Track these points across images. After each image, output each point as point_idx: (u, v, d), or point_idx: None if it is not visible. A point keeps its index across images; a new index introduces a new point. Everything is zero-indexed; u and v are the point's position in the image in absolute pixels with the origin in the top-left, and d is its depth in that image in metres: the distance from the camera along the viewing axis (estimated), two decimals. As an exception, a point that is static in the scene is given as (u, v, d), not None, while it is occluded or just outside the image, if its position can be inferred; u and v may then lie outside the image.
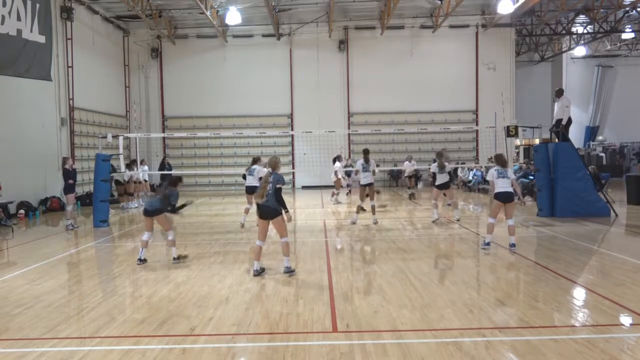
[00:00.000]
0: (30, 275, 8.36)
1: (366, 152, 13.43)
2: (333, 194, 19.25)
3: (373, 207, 13.48)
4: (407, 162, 20.75)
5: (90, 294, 7.24)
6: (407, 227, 13.08)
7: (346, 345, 4.99)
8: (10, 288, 7.56)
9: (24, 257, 9.96)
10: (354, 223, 13.22)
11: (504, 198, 9.59)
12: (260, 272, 7.97)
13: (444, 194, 14.14)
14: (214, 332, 5.48)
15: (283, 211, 7.87)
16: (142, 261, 9.01)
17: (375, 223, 13.12)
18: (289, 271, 7.98)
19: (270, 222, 7.91)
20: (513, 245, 9.60)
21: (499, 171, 9.78)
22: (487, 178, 10.48)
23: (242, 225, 13.13)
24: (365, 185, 13.22)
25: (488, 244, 9.80)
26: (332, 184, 19.37)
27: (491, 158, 15.84)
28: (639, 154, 24.88)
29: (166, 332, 5.50)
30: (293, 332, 5.39)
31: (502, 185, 9.64)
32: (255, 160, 13.03)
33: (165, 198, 9.08)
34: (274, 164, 8.17)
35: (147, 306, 6.47)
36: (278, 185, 7.90)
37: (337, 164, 18.82)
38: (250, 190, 12.23)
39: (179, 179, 9.59)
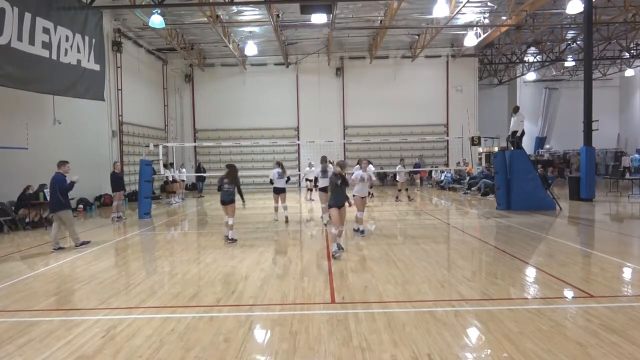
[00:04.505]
0: (87, 257, 8.36)
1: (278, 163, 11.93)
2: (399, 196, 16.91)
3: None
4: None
5: (135, 273, 7.24)
6: (392, 218, 13.02)
7: (342, 313, 4.98)
8: (71, 268, 7.56)
9: (83, 243, 9.95)
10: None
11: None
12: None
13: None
14: (235, 303, 5.47)
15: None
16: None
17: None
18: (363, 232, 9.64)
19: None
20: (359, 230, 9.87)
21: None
22: (353, 178, 9.58)
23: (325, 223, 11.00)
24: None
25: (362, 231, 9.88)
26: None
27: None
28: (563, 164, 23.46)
29: (197, 304, 5.50)
30: (299, 303, 5.37)
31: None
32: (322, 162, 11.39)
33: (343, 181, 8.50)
34: (342, 166, 8.53)
35: (181, 282, 6.46)
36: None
37: (399, 166, 17.50)
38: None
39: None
